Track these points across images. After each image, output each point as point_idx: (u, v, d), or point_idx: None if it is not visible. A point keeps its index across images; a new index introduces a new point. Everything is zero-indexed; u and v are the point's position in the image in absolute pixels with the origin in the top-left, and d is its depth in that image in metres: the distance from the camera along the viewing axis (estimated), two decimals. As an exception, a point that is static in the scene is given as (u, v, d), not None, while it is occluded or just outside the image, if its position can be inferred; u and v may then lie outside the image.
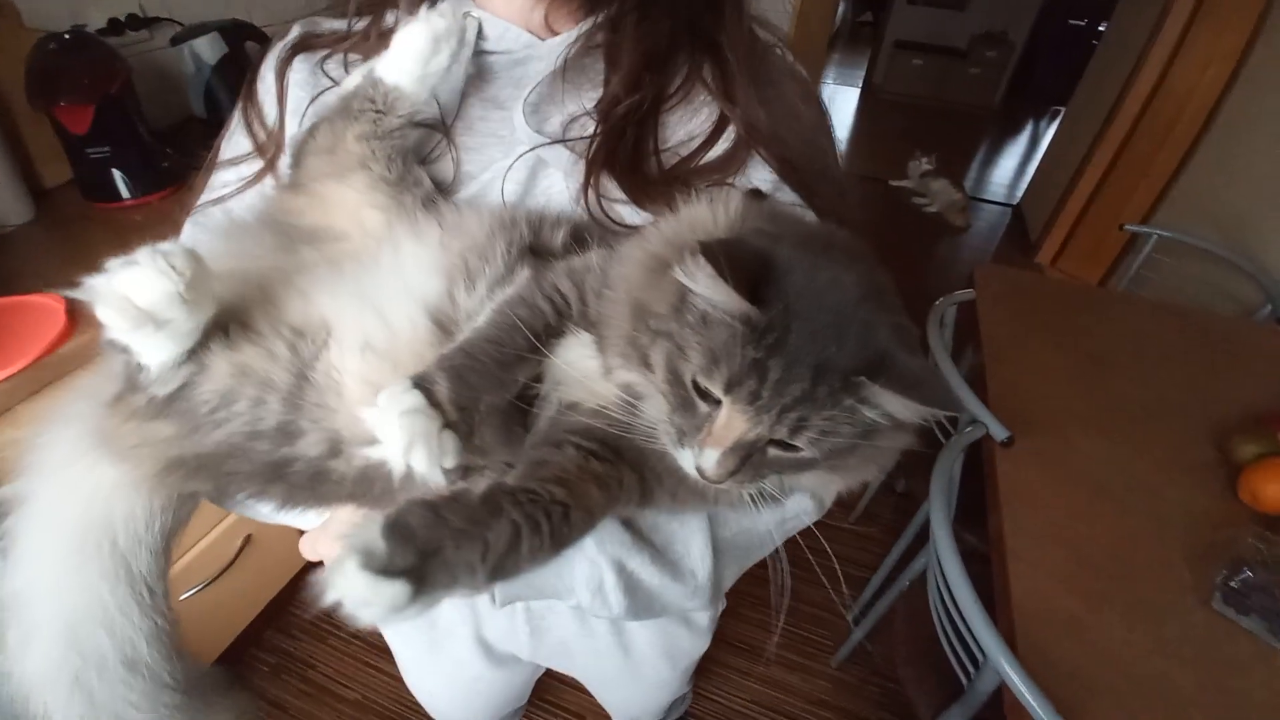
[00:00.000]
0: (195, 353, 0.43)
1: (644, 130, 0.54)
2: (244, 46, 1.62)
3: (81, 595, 0.46)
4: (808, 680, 1.76)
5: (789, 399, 0.36)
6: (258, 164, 0.59)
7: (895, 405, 0.37)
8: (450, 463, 0.40)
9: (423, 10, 0.51)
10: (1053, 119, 5.92)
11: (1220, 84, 2.66)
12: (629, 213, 0.53)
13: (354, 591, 0.32)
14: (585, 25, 0.55)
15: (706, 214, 0.44)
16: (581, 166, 0.53)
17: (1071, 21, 6.13)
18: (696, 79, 0.55)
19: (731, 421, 0.38)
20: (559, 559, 0.46)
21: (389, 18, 0.58)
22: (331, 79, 0.59)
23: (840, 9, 7.24)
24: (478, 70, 0.57)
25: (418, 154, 0.56)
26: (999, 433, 1.17)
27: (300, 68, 0.59)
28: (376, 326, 0.46)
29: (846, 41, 8.17)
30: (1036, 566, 0.99)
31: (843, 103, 6.59)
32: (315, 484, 0.45)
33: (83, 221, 1.35)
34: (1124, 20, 3.62)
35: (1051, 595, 0.96)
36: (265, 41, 1.69)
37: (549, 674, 0.98)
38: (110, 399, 0.45)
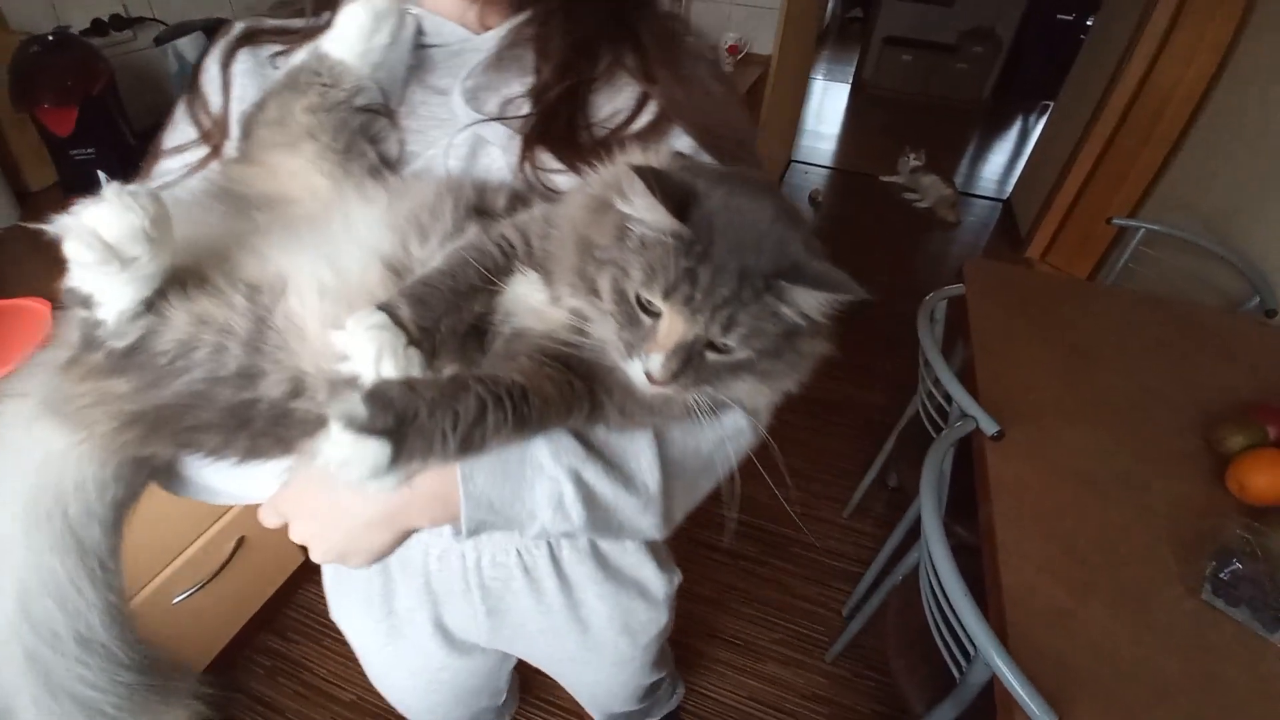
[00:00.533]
0: (153, 304, 0.44)
1: (573, 109, 0.59)
2: (230, 46, 1.61)
3: (32, 569, 0.45)
4: (802, 675, 1.77)
5: (718, 299, 0.42)
6: (202, 151, 0.61)
7: (809, 301, 0.43)
8: (416, 375, 0.43)
9: None
10: (1041, 114, 5.95)
11: (1206, 78, 2.68)
12: (564, 181, 0.57)
13: (338, 451, 0.35)
14: (516, 20, 0.60)
15: (640, 159, 0.49)
16: (518, 142, 0.58)
17: (1059, 16, 6.16)
18: (618, 65, 0.61)
19: (672, 324, 0.43)
20: (522, 466, 0.49)
21: None
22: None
23: (830, 5, 7.26)
24: (419, 61, 0.62)
25: (364, 134, 0.59)
26: (989, 427, 1.18)
27: (245, 59, 0.62)
28: (332, 275, 0.48)
29: (836, 38, 8.18)
30: (1027, 559, 1.00)
31: (833, 99, 6.60)
32: (278, 427, 0.46)
33: (68, 224, 1.34)
34: (1110, 15, 3.64)
35: (1041, 587, 0.96)
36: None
37: (540, 670, 0.98)
38: (64, 362, 0.46)
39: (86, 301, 0.42)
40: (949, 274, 1.67)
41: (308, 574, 1.87)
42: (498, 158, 0.59)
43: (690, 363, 0.44)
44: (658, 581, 0.87)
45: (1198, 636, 0.92)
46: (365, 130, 0.58)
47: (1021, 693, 0.80)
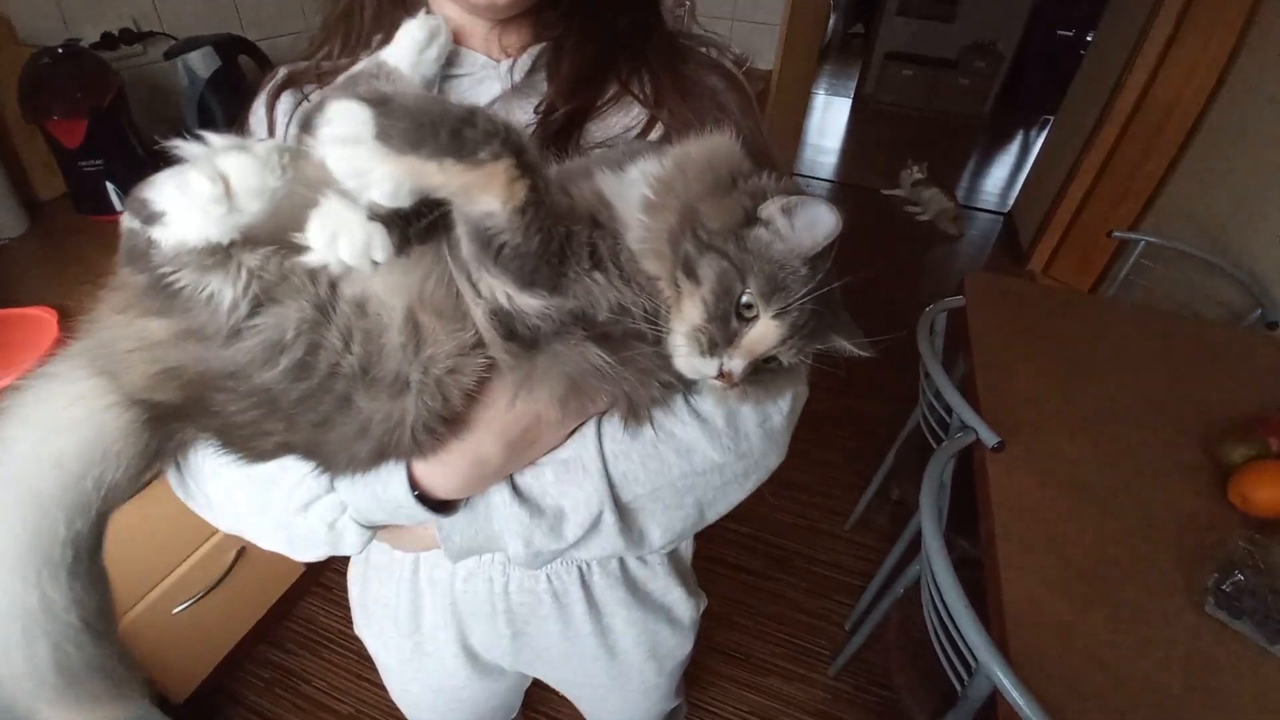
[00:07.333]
0: (219, 253, 0.39)
1: (576, 132, 0.61)
2: (237, 61, 1.63)
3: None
4: (805, 690, 1.76)
5: (807, 330, 0.46)
6: None
7: (841, 347, 0.49)
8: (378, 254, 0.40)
9: (421, 13, 0.58)
10: (1042, 128, 5.98)
11: (1205, 93, 2.70)
12: None
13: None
14: (535, 49, 0.63)
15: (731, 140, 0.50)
16: None
17: (1060, 32, 6.21)
18: (627, 89, 0.63)
19: (765, 336, 0.46)
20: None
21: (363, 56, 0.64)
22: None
23: (831, 21, 7.32)
24: (445, 92, 0.64)
25: None
26: (989, 438, 1.18)
27: (287, 100, 0.66)
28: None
29: (838, 53, 8.25)
30: (1028, 571, 1.00)
31: (834, 113, 6.65)
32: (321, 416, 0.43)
33: (76, 234, 1.36)
34: (1110, 31, 3.67)
35: (1043, 600, 0.96)
36: (259, 56, 1.69)
37: (542, 682, 0.97)
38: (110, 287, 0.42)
39: (152, 217, 0.37)
40: (950, 287, 1.66)
41: (307, 586, 1.87)
42: None
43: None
44: (685, 606, 0.86)
45: (1200, 649, 0.91)
46: None
47: (1024, 706, 0.79)
